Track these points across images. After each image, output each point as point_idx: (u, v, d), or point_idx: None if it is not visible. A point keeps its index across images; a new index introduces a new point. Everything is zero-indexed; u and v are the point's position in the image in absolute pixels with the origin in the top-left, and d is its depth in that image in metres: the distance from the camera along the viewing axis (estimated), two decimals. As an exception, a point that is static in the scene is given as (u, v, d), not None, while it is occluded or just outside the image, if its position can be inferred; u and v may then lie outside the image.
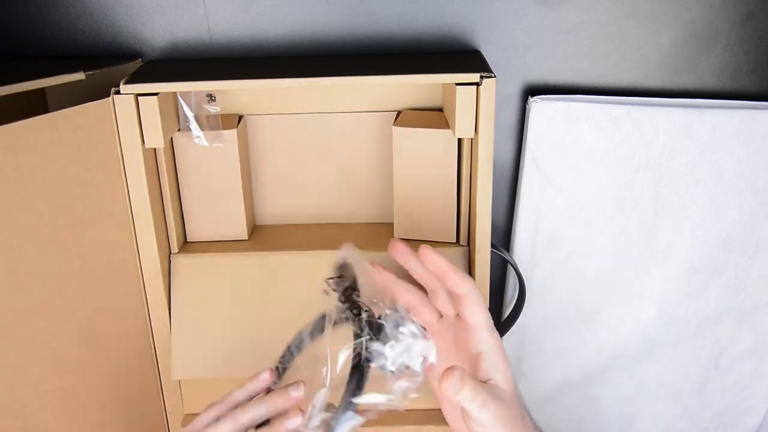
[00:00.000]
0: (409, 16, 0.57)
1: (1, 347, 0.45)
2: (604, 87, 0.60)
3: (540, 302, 0.66)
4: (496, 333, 0.48)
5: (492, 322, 0.48)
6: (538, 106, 0.59)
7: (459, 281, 0.48)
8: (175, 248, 0.58)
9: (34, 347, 0.47)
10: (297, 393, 0.53)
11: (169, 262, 0.57)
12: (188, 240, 0.60)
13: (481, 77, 0.50)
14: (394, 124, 0.56)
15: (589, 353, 0.69)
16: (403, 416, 0.61)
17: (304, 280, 0.56)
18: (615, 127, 0.60)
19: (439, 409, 0.53)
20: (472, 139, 0.54)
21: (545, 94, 0.59)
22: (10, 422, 0.46)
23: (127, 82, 0.50)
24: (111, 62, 0.55)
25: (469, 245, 0.58)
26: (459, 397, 0.44)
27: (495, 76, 0.49)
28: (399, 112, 0.58)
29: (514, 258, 0.64)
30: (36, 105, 0.54)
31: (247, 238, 0.60)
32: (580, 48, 0.59)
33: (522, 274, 0.63)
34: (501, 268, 0.67)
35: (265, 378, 0.54)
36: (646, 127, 0.59)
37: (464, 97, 0.50)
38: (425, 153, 0.56)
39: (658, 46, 0.59)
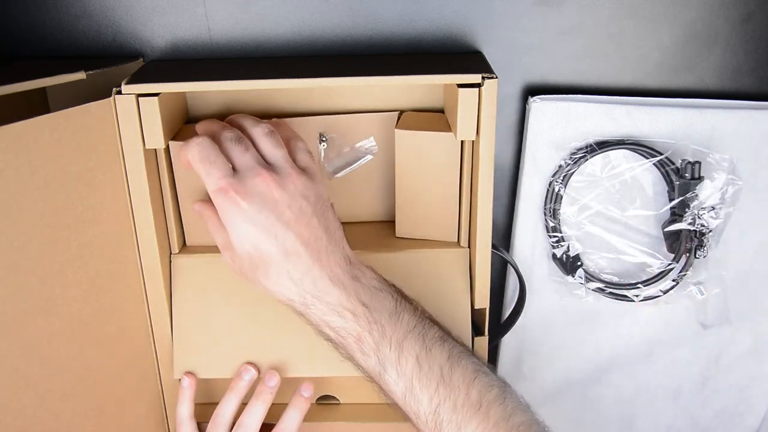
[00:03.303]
0: (409, 15, 0.57)
1: (1, 347, 0.45)
2: (604, 87, 0.60)
3: (540, 302, 0.66)
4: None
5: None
6: (538, 106, 0.59)
7: None
8: (175, 248, 0.58)
9: (34, 347, 0.47)
10: (273, 381, 0.56)
11: (170, 262, 0.57)
12: (187, 245, 0.60)
13: (483, 78, 0.49)
14: (396, 127, 0.56)
15: (589, 353, 0.69)
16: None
17: None
18: (615, 127, 0.60)
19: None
20: (473, 140, 0.54)
21: (545, 94, 0.59)
22: (10, 422, 0.46)
23: (128, 82, 0.50)
24: (112, 62, 0.55)
25: (470, 246, 0.58)
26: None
27: (497, 77, 0.49)
28: (401, 113, 0.58)
29: (514, 258, 0.64)
30: (37, 105, 0.54)
31: None
32: (580, 48, 0.59)
33: (522, 275, 0.63)
34: (501, 269, 0.67)
35: (251, 377, 0.55)
36: (646, 127, 0.59)
37: (466, 99, 0.50)
38: (428, 156, 0.56)
39: (658, 46, 0.59)
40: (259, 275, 0.48)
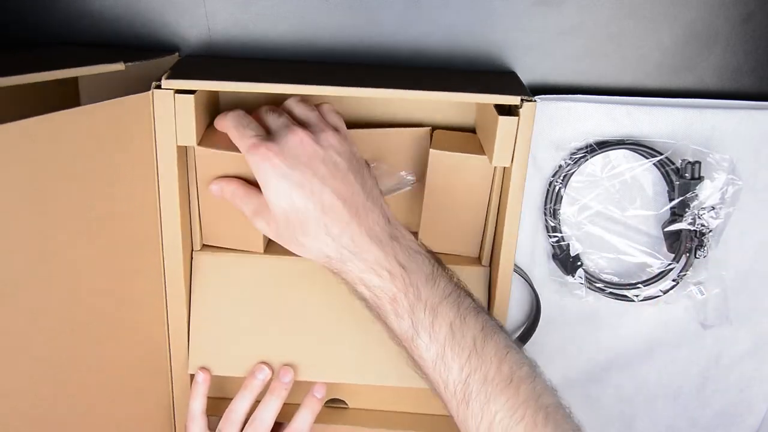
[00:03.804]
0: (409, 15, 0.57)
1: (26, 336, 0.44)
2: (604, 87, 0.60)
3: (540, 302, 0.66)
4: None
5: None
6: (538, 106, 0.59)
7: None
8: (198, 245, 0.57)
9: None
10: (288, 377, 0.56)
11: (192, 258, 0.57)
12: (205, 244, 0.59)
13: (522, 100, 0.49)
14: (431, 148, 0.55)
15: (589, 353, 0.69)
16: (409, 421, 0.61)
17: (321, 284, 0.56)
18: (615, 127, 0.60)
19: (443, 416, 0.52)
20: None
21: (545, 94, 0.59)
22: (27, 410, 0.46)
23: (168, 77, 0.49)
24: (150, 55, 0.54)
25: (491, 266, 0.58)
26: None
27: (536, 100, 0.49)
28: (432, 130, 0.58)
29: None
30: (69, 93, 0.52)
31: (262, 251, 0.58)
32: (580, 48, 0.59)
33: (539, 296, 0.63)
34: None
35: (264, 376, 0.55)
36: (646, 127, 0.59)
37: (505, 128, 0.50)
38: (460, 177, 0.55)
39: (658, 46, 0.59)
40: (296, 233, 0.47)
